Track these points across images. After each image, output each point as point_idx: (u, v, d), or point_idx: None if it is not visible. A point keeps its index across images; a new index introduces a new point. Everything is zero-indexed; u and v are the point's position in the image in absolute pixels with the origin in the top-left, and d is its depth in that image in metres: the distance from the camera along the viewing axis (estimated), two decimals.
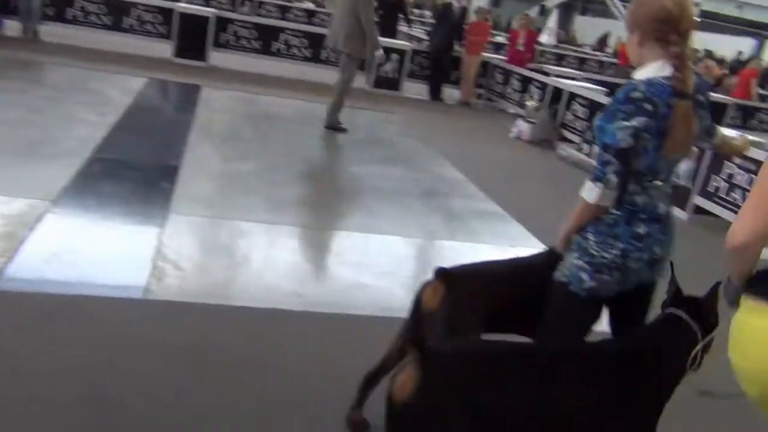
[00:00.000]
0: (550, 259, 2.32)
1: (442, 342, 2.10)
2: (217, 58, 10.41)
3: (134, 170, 5.02)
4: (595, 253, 2.12)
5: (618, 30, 29.01)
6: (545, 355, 2.05)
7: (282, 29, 10.82)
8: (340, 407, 2.43)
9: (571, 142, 8.50)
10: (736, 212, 5.59)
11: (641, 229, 2.10)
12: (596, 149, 7.51)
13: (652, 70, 2.04)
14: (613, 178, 2.02)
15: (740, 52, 23.24)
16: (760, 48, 25.00)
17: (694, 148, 2.30)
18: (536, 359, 2.02)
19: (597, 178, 2.05)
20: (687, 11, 2.02)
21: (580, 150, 8.08)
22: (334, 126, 7.36)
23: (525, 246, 4.78)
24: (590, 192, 2.07)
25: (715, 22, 35.03)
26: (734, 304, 1.74)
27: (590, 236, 2.13)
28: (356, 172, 5.98)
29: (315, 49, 10.74)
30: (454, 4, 10.78)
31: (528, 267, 2.45)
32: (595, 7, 38.04)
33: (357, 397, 2.43)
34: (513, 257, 2.51)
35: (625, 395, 1.99)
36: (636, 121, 1.97)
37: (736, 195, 5.68)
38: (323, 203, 5.01)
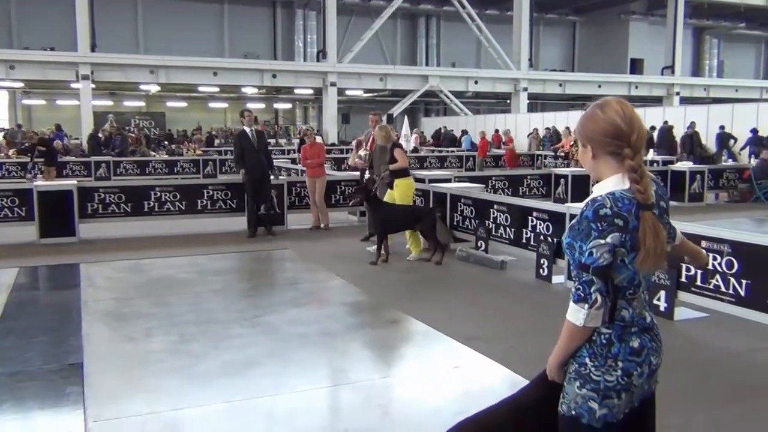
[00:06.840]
0: (545, 388, 2.21)
1: None
2: (86, 229, 9.87)
3: (30, 381, 4.39)
4: (597, 378, 2.04)
5: (461, 124, 30.98)
6: None
7: (152, 187, 10.49)
8: None
9: (465, 241, 8.69)
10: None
11: (635, 343, 2.06)
12: (492, 245, 7.51)
13: (612, 183, 2.04)
14: (599, 297, 1.98)
15: None
16: None
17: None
18: None
19: (581, 299, 1.99)
20: (636, 124, 2.03)
21: (477, 248, 8.26)
22: None
23: (467, 362, 4.68)
24: (577, 314, 2.00)
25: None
26: None
27: (587, 361, 2.06)
28: (274, 322, 5.68)
29: (189, 200, 10.48)
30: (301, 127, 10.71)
31: (533, 403, 2.29)
32: (437, 107, 40.67)
33: None
34: (510, 396, 2.35)
35: None
36: (611, 238, 1.96)
37: None
38: (252, 365, 4.66)
